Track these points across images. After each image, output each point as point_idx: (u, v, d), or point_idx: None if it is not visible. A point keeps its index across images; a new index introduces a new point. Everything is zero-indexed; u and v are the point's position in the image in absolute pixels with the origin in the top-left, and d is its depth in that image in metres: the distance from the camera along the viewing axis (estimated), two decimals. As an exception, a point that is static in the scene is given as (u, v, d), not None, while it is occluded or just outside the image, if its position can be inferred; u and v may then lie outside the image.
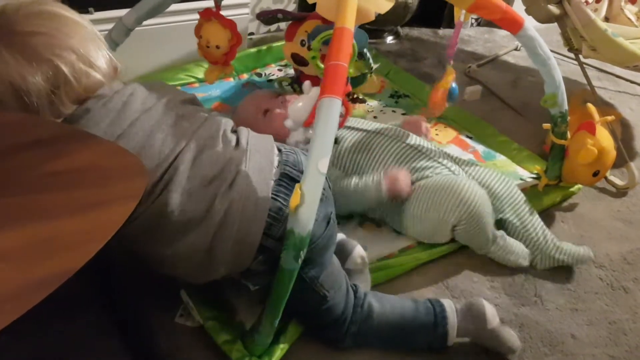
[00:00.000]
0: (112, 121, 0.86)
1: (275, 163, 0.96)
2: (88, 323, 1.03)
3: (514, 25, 1.20)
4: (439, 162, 1.30)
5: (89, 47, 0.88)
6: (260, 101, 1.36)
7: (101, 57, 0.91)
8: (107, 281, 0.74)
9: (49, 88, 0.81)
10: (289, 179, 0.94)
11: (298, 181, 0.88)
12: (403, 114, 1.69)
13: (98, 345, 1.00)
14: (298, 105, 1.04)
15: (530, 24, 1.23)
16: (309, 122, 1.02)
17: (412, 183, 1.24)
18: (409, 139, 1.33)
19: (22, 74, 0.79)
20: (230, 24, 1.32)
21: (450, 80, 1.43)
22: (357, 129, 1.35)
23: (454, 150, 1.55)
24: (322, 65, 1.06)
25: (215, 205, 0.87)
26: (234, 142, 0.95)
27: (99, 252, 0.57)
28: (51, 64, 0.82)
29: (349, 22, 0.94)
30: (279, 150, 0.98)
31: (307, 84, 1.06)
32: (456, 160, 1.35)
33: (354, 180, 1.23)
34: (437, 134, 1.61)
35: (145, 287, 1.09)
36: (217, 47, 1.34)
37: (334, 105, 0.87)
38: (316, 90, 1.00)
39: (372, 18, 1.05)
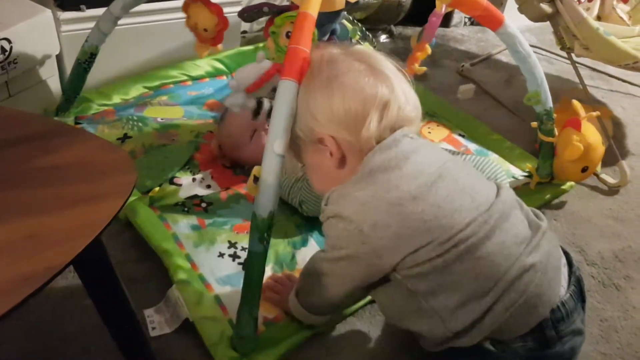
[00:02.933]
0: (425, 156, 0.88)
1: (563, 261, 0.92)
2: (78, 323, 1.03)
3: (494, 22, 1.21)
4: None
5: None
6: (248, 117, 1.34)
7: None
8: (96, 280, 0.73)
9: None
10: (579, 284, 0.91)
11: (583, 291, 0.91)
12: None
13: (88, 345, 1.00)
14: (243, 69, 1.05)
15: (510, 21, 1.23)
16: (250, 89, 1.03)
17: None
18: None
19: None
20: (217, 9, 1.31)
21: (423, 57, 1.46)
22: None
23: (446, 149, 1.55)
24: (280, 44, 1.07)
25: (515, 265, 0.84)
26: (531, 216, 0.92)
27: (90, 250, 0.56)
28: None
29: (313, 8, 0.96)
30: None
31: (260, 54, 1.06)
32: None
33: None
34: (429, 132, 1.61)
35: (134, 286, 1.10)
36: (205, 30, 1.33)
37: (292, 88, 0.89)
38: (268, 62, 1.01)
39: (342, 6, 1.06)
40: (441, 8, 1.41)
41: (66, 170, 0.63)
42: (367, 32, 1.58)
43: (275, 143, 0.88)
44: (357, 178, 0.85)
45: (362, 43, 1.53)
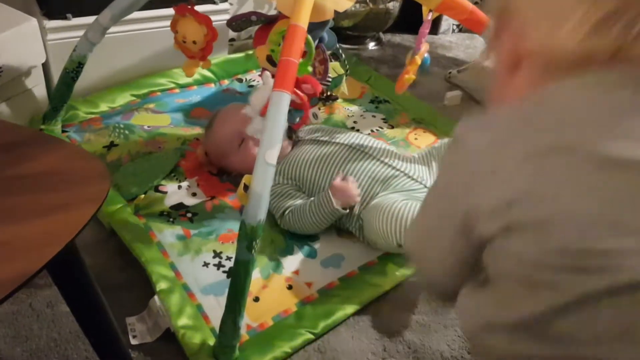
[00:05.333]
0: None
1: None
2: (60, 330, 1.03)
3: (479, 26, 1.22)
4: (400, 171, 1.28)
5: None
6: (237, 125, 1.32)
7: None
8: (72, 287, 0.73)
9: None
10: None
11: None
12: (383, 119, 1.70)
13: (70, 352, 1.00)
14: (257, 95, 1.07)
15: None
16: (264, 112, 1.05)
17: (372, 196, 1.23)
18: (370, 149, 1.32)
19: None
20: (205, 20, 1.32)
21: (414, 70, 1.44)
22: (319, 141, 1.36)
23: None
24: None
25: None
26: None
27: (63, 257, 0.57)
28: None
29: (303, 20, 0.98)
30: None
31: (266, 74, 1.07)
32: (420, 159, 1.36)
33: (309, 201, 1.23)
34: (416, 139, 1.62)
35: (118, 294, 1.09)
36: (194, 42, 1.34)
37: (284, 99, 0.92)
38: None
39: (331, 16, 1.07)
40: (427, 14, 1.42)
41: (39, 179, 0.63)
42: (342, 52, 1.60)
43: (267, 153, 0.89)
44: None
45: (332, 60, 1.53)
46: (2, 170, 0.64)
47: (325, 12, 1.07)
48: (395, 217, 1.13)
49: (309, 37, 1.04)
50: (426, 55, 1.42)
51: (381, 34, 2.23)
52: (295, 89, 1.14)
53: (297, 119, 1.29)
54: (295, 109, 1.33)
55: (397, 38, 2.25)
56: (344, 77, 1.65)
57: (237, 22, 1.35)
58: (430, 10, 1.33)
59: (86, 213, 0.59)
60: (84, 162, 0.66)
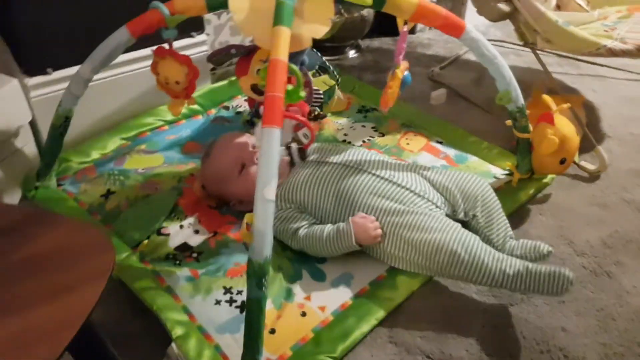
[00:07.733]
0: None
1: None
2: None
3: (456, 30, 1.23)
4: (412, 192, 1.27)
5: None
6: (237, 151, 1.35)
7: None
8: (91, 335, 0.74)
9: None
10: None
11: None
12: (373, 128, 1.71)
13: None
14: (260, 125, 1.08)
15: (472, 26, 1.25)
16: None
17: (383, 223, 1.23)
18: (364, 163, 1.33)
19: None
20: (185, 60, 1.33)
21: (396, 84, 1.43)
22: (320, 162, 1.37)
23: (426, 158, 1.57)
24: None
25: None
26: None
27: (79, 337, 0.57)
28: None
29: (282, 54, 0.99)
30: None
31: (262, 108, 1.08)
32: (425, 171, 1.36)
33: (327, 229, 1.23)
34: (407, 144, 1.63)
35: (131, 344, 1.10)
36: (177, 82, 1.35)
37: (274, 134, 0.93)
38: None
39: (309, 44, 1.08)
40: (402, 25, 1.42)
41: (44, 259, 0.64)
42: (328, 64, 1.61)
43: (265, 189, 0.91)
44: None
45: (320, 74, 1.55)
46: (5, 254, 0.65)
47: (303, 41, 1.08)
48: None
49: (292, 65, 1.04)
50: (406, 72, 1.43)
51: (360, 41, 2.24)
52: (296, 115, 1.16)
53: (305, 140, 1.33)
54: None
55: (376, 42, 2.26)
56: (336, 87, 1.67)
57: (218, 57, 1.36)
58: (406, 22, 1.33)
59: (95, 290, 0.60)
60: (84, 235, 0.67)
